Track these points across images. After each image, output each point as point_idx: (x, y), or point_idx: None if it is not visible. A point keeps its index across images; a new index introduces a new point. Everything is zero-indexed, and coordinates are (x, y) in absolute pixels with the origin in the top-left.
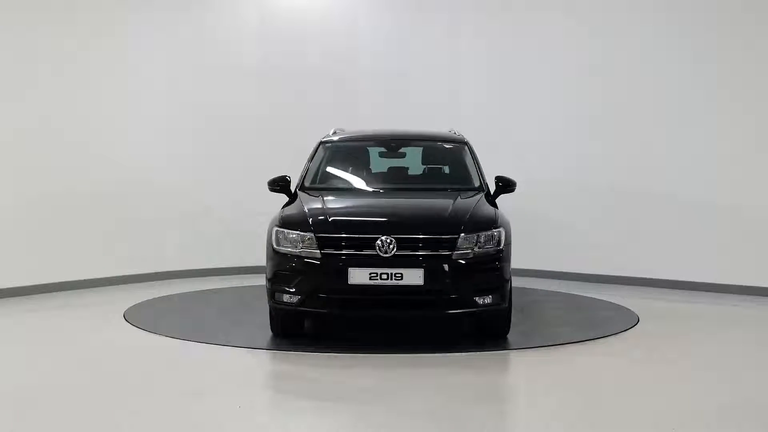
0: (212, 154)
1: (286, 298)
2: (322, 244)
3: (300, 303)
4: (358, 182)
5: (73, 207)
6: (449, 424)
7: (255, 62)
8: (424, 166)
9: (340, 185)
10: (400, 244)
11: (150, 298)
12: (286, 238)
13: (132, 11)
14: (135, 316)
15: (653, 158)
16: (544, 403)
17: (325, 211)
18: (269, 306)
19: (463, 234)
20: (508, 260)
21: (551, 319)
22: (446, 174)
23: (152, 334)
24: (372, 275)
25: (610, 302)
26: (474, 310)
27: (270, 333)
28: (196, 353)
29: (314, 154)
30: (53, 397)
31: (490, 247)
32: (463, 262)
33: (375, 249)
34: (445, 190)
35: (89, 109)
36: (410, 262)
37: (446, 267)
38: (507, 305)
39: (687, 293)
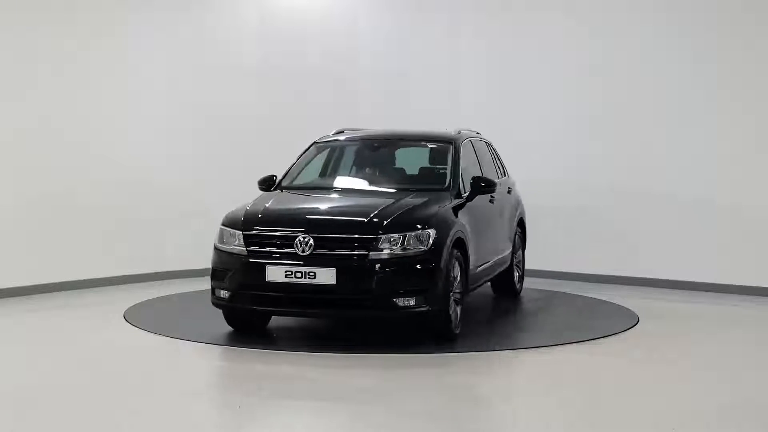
0: (212, 154)
1: (221, 294)
2: (247, 241)
3: (230, 299)
4: (327, 183)
5: (73, 207)
6: (449, 424)
7: (255, 62)
8: (401, 167)
9: (313, 185)
10: (317, 243)
11: (150, 298)
12: (223, 236)
13: (132, 11)
14: (135, 316)
15: (653, 158)
16: (544, 403)
17: (260, 210)
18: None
19: (382, 234)
20: (442, 262)
21: (551, 319)
22: (419, 174)
23: (152, 334)
24: (287, 273)
25: (610, 302)
26: (393, 312)
27: (269, 333)
28: (196, 353)
29: (303, 154)
30: (53, 397)
31: (416, 249)
32: (380, 262)
33: (294, 248)
34: (407, 190)
35: (89, 109)
36: (324, 262)
37: (360, 267)
38: (438, 308)
39: (687, 293)
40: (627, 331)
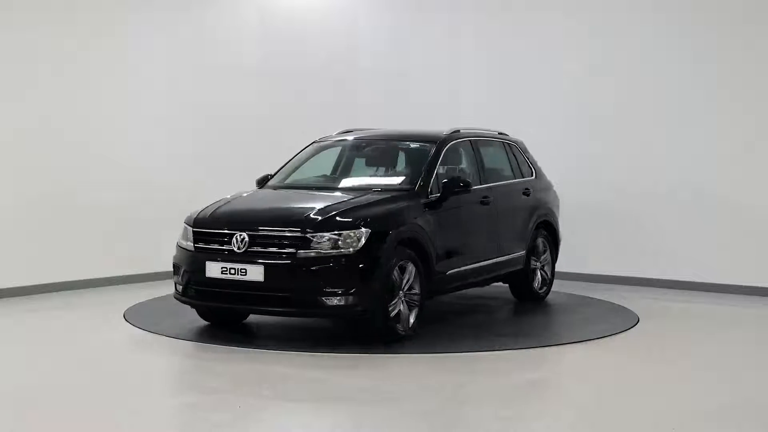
0: (212, 154)
1: (178, 288)
2: (195, 238)
3: (181, 293)
4: (308, 182)
5: (73, 207)
6: (449, 424)
7: (255, 62)
8: (378, 168)
9: (297, 184)
10: (252, 241)
11: (150, 298)
12: (183, 232)
13: (132, 11)
14: (135, 316)
15: (653, 158)
16: (544, 402)
17: (214, 208)
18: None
19: (311, 233)
20: (377, 262)
21: (551, 319)
22: (391, 175)
23: (152, 334)
24: (223, 269)
25: (610, 302)
26: (320, 310)
27: (270, 333)
28: (196, 353)
29: (299, 152)
30: (53, 397)
31: (346, 248)
32: (307, 261)
33: (232, 245)
34: (369, 190)
35: (89, 109)
36: (255, 259)
37: (287, 265)
38: (372, 308)
39: (687, 293)
40: (627, 331)
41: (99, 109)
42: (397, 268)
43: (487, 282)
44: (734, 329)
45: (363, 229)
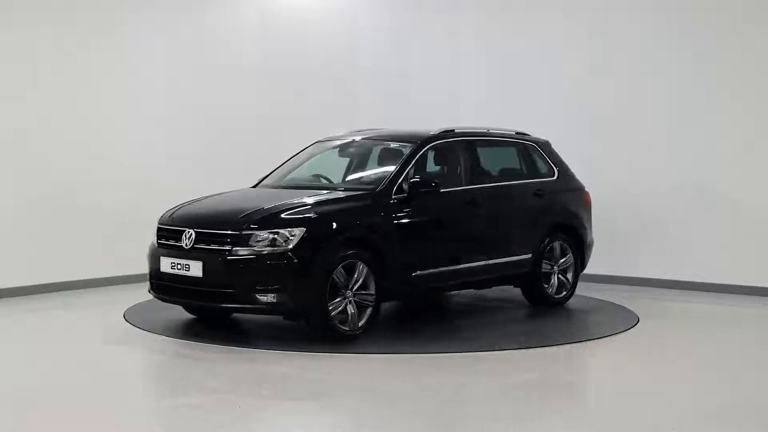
0: (212, 154)
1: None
2: (158, 234)
3: (149, 287)
4: (289, 181)
5: (73, 207)
6: (449, 424)
7: (255, 62)
8: (358, 168)
9: (277, 184)
10: (198, 238)
11: (150, 298)
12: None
13: (132, 11)
14: (135, 316)
15: (653, 158)
16: (544, 402)
17: (182, 206)
18: None
19: (246, 231)
20: (313, 260)
21: (551, 319)
22: (364, 175)
23: (152, 334)
24: (172, 264)
25: (610, 302)
26: (255, 306)
27: (270, 333)
28: (196, 354)
29: (299, 152)
30: (53, 397)
31: (280, 246)
32: (242, 258)
33: (181, 241)
34: (336, 189)
35: (89, 109)
36: (197, 255)
37: (222, 262)
38: (305, 306)
39: (687, 293)
40: (627, 331)
41: (99, 109)
42: (341, 267)
43: (481, 285)
44: (734, 329)
45: (297, 229)
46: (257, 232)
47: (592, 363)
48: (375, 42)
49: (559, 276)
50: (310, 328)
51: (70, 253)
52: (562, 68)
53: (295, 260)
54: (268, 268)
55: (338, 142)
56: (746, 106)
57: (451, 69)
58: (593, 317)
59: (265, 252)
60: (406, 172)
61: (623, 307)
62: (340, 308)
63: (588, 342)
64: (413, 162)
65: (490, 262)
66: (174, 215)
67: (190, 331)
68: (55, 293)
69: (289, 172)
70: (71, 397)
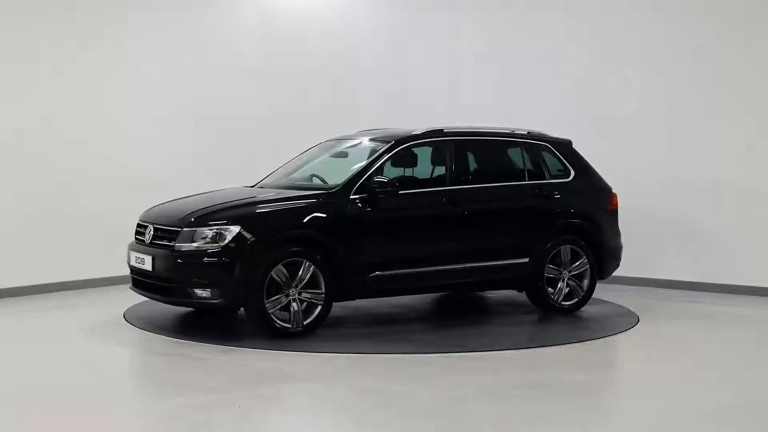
0: (212, 154)
1: None
2: (136, 230)
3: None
4: (280, 182)
5: (74, 207)
6: (449, 424)
7: (255, 62)
8: (331, 168)
9: (273, 184)
10: (155, 233)
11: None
12: None
13: (132, 11)
14: (135, 316)
15: (654, 158)
16: (544, 402)
17: (163, 203)
18: None
19: (186, 228)
20: (244, 257)
21: (551, 319)
22: (327, 175)
23: (152, 334)
24: (136, 258)
25: (610, 302)
26: (191, 301)
27: (270, 333)
28: (196, 353)
29: (305, 152)
30: (53, 397)
31: (215, 243)
32: (180, 254)
33: (144, 236)
34: (297, 188)
35: (89, 109)
36: (149, 250)
37: (164, 257)
38: (232, 301)
39: (687, 293)
40: (627, 331)
41: (99, 109)
42: (281, 266)
43: (467, 288)
44: (734, 329)
45: (232, 227)
46: (196, 229)
47: (593, 363)
48: (375, 42)
49: (571, 282)
50: (249, 324)
51: (70, 253)
52: (562, 68)
53: (227, 257)
54: (202, 264)
55: (333, 142)
56: (746, 106)
57: (451, 69)
58: (593, 317)
59: (201, 248)
60: (369, 172)
61: (623, 307)
62: (279, 306)
63: (588, 342)
64: (381, 162)
65: (472, 265)
66: (147, 211)
67: (190, 332)
68: (55, 293)
69: (291, 172)
70: (71, 397)
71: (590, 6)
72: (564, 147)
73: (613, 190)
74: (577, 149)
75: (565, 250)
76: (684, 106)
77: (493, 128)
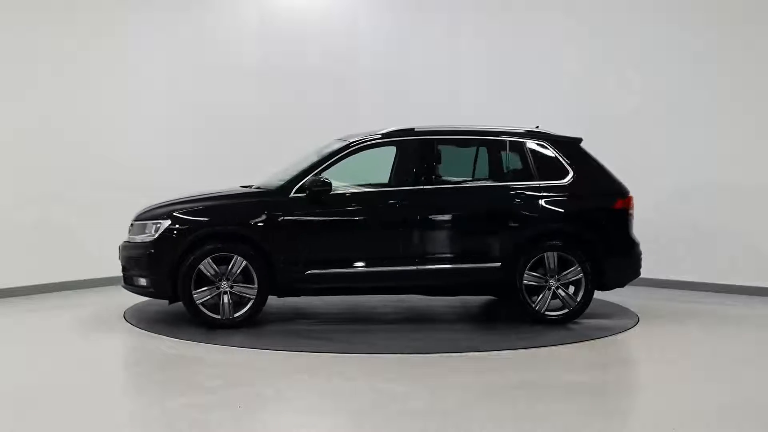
0: (212, 154)
1: None
2: None
3: None
4: (262, 182)
5: (73, 207)
6: (449, 424)
7: (255, 62)
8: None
9: (264, 184)
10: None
11: (150, 298)
12: None
13: (132, 11)
14: (135, 316)
15: (653, 158)
16: (544, 402)
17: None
18: None
19: (136, 222)
20: (169, 250)
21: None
22: (280, 175)
23: (152, 334)
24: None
25: (610, 302)
26: (137, 290)
27: (270, 333)
28: (196, 353)
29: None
30: (53, 397)
31: (149, 236)
32: (130, 245)
33: None
34: (252, 188)
35: (89, 109)
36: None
37: (123, 248)
38: (160, 292)
39: (687, 293)
40: (627, 331)
41: (99, 109)
42: (210, 259)
43: (424, 292)
44: (734, 329)
45: (163, 221)
46: (144, 222)
47: (593, 363)
48: (375, 42)
49: (561, 291)
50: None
51: (70, 253)
52: (562, 68)
53: (154, 249)
54: (137, 256)
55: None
56: (746, 106)
57: (451, 69)
58: (593, 317)
59: (142, 241)
60: (314, 172)
61: (623, 307)
62: (207, 297)
63: (588, 342)
64: (328, 163)
65: (426, 268)
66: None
67: (190, 332)
68: (55, 293)
69: (284, 171)
70: (71, 397)
71: (590, 6)
72: (567, 146)
73: (629, 194)
74: (584, 149)
75: (551, 256)
76: (684, 106)
77: (481, 127)
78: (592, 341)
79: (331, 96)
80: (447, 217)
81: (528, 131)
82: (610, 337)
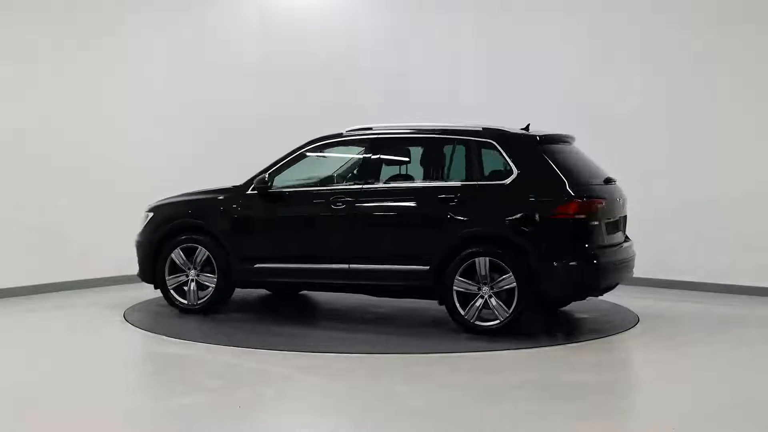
0: (212, 154)
1: None
2: None
3: None
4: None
5: (73, 207)
6: (449, 424)
7: (255, 62)
8: None
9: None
10: None
11: (150, 298)
12: None
13: (132, 11)
14: (135, 316)
15: (653, 158)
16: (544, 402)
17: None
18: None
19: (144, 213)
20: (148, 240)
21: (551, 319)
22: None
23: (152, 334)
24: None
25: (610, 302)
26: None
27: (270, 333)
28: (196, 353)
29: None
30: (53, 397)
31: (140, 227)
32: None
33: None
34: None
35: (89, 109)
36: None
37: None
38: (142, 278)
39: (687, 293)
40: (627, 331)
41: (99, 109)
42: (180, 249)
43: (357, 291)
44: (734, 329)
45: (146, 213)
46: (147, 214)
47: (592, 363)
48: (375, 42)
49: (493, 300)
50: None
51: (70, 253)
52: (562, 68)
53: (140, 239)
54: (135, 244)
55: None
56: (746, 106)
57: (451, 69)
58: (593, 317)
59: (139, 231)
60: (272, 169)
61: (623, 307)
62: (176, 284)
63: (588, 342)
64: (285, 161)
65: (357, 267)
66: None
67: (190, 332)
68: (55, 293)
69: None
70: (71, 397)
71: (590, 6)
72: (519, 146)
73: (578, 199)
74: (539, 149)
75: (482, 262)
76: (684, 106)
77: (431, 126)
78: (592, 341)
79: (331, 96)
80: (378, 217)
81: (479, 129)
82: (609, 337)
